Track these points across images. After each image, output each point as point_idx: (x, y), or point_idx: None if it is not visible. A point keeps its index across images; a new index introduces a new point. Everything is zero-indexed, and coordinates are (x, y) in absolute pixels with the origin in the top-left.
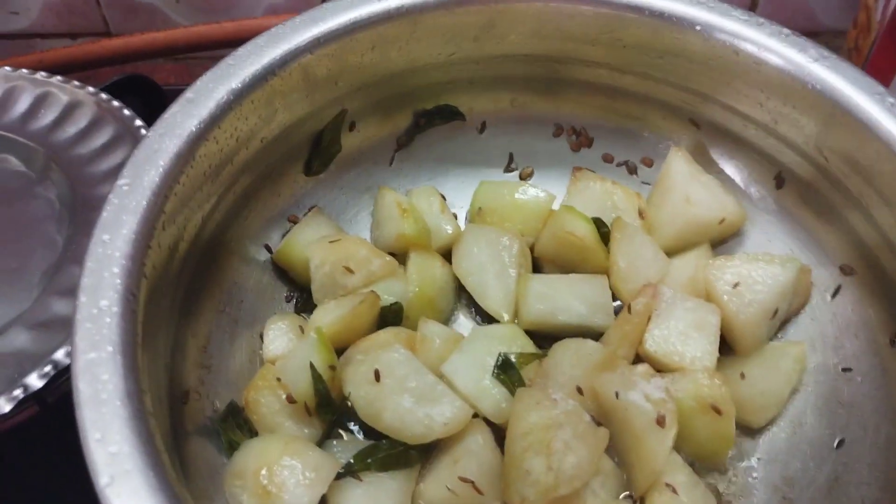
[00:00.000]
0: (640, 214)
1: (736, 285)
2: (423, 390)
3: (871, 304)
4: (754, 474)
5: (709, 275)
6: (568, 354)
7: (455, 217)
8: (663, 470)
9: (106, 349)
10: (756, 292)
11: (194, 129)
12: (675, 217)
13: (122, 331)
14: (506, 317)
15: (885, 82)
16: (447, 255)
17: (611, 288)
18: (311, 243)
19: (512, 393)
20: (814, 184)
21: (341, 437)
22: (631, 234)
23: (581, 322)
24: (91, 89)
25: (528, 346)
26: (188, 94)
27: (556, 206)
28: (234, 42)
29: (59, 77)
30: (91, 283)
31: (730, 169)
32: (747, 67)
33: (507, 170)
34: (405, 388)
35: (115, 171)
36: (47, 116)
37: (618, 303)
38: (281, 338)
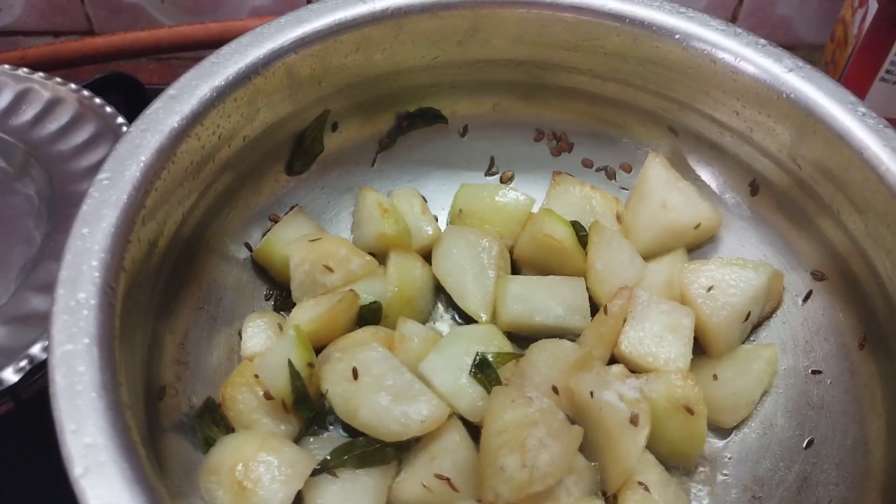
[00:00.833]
0: (618, 219)
1: (710, 289)
2: (400, 388)
3: (841, 308)
4: (725, 473)
5: (683, 278)
6: (544, 354)
7: (436, 219)
8: (636, 468)
9: (83, 341)
10: (729, 296)
11: (176, 126)
12: (651, 222)
13: (99, 323)
14: (484, 317)
15: (860, 95)
16: (427, 255)
17: (588, 290)
18: (292, 242)
19: (488, 392)
20: (787, 191)
21: (318, 434)
22: (608, 238)
23: (558, 323)
24: (73, 86)
25: (506, 347)
26: (171, 90)
27: (535, 209)
28: (218, 43)
29: (41, 73)
30: (69, 276)
31: (706, 175)
32: (724, 76)
33: (489, 173)
34: (382, 386)
35: (95, 169)
36: (28, 113)
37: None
38: (259, 335)
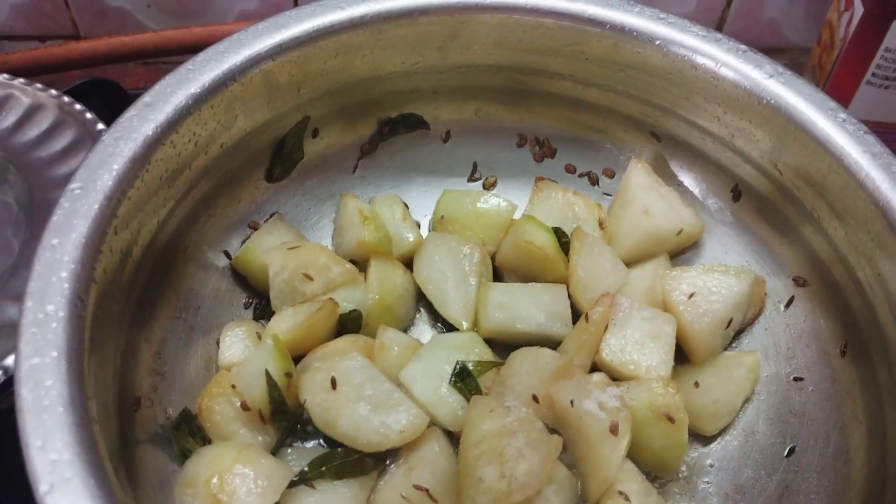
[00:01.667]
0: (601, 225)
1: (692, 295)
2: (379, 398)
3: (822, 315)
4: (707, 481)
5: (665, 285)
6: (525, 363)
7: (418, 225)
8: (616, 478)
9: (50, 354)
10: (711, 302)
11: (151, 134)
12: (634, 228)
13: (67, 336)
14: (465, 325)
15: (846, 98)
16: (409, 262)
17: (570, 297)
18: (271, 250)
19: (468, 401)
20: (769, 197)
21: (296, 444)
22: (590, 245)
23: (539, 331)
24: (54, 92)
25: (487, 355)
26: (146, 98)
27: (518, 215)
28: (203, 47)
29: (21, 79)
30: (38, 288)
31: (689, 181)
32: (705, 82)
33: (471, 179)
34: (361, 396)
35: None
36: (8, 119)
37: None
38: (237, 344)
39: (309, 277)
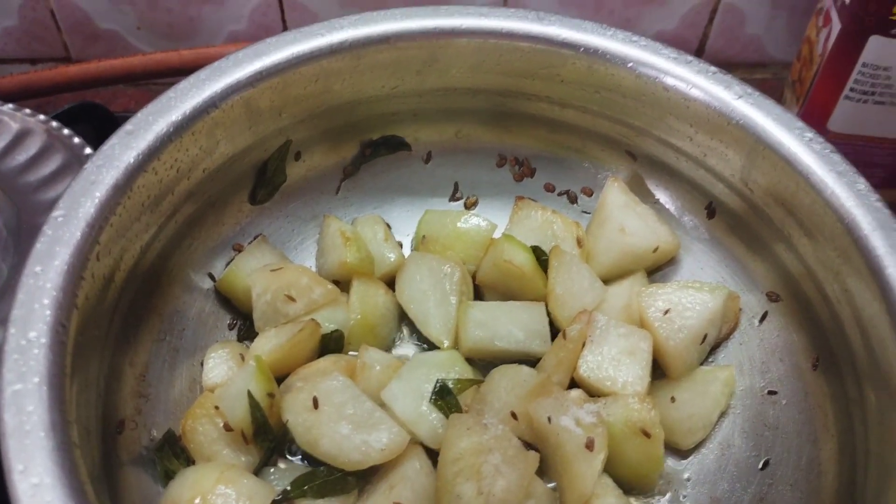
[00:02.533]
0: (579, 243)
1: (667, 312)
2: (360, 417)
3: (795, 329)
4: (684, 495)
5: (641, 302)
6: (504, 380)
7: (400, 245)
8: (593, 492)
9: (32, 381)
10: (686, 318)
11: (132, 161)
12: (611, 246)
13: (49, 363)
14: (446, 343)
15: (826, 112)
16: (391, 282)
17: (549, 315)
18: (253, 272)
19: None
20: (742, 214)
21: (279, 464)
22: (568, 263)
23: (519, 348)
24: (42, 117)
25: (467, 373)
26: (128, 126)
27: (498, 234)
28: (192, 70)
29: (10, 105)
30: (21, 315)
31: (665, 198)
32: (677, 103)
33: (453, 199)
34: (343, 415)
35: None
36: None
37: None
38: (221, 366)
39: (291, 299)
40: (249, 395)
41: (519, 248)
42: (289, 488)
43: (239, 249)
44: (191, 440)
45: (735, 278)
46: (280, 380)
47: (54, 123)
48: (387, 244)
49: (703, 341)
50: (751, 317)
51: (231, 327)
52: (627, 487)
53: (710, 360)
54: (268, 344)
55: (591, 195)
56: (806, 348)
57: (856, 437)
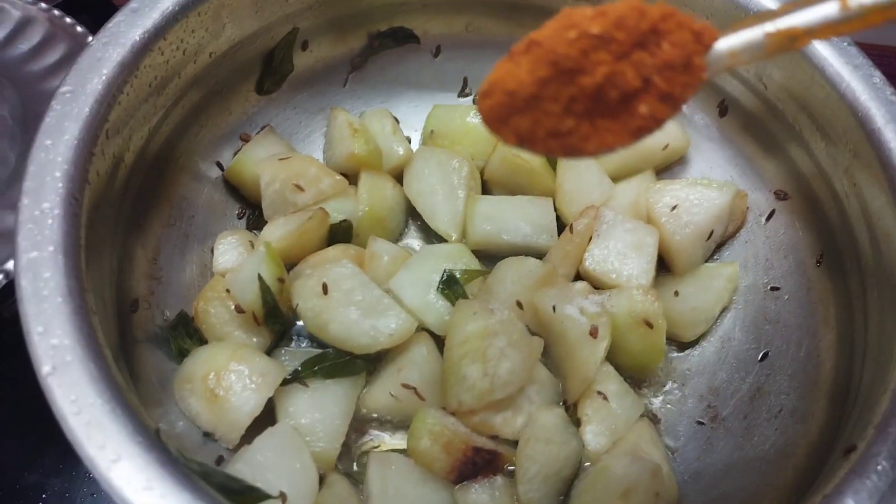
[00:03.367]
0: None
1: (674, 208)
2: (369, 303)
3: (801, 227)
4: (683, 385)
5: (649, 198)
6: (510, 271)
7: (408, 140)
8: (595, 378)
9: (48, 249)
10: (693, 215)
11: (138, 39)
12: None
13: (63, 232)
14: (454, 236)
15: None
16: (399, 176)
17: (556, 210)
18: (262, 161)
19: None
20: (754, 112)
21: (289, 346)
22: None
23: (525, 242)
24: (44, 6)
25: (474, 265)
26: (133, 4)
27: None
28: None
29: None
30: (33, 187)
31: None
32: None
33: (462, 94)
34: (352, 301)
35: None
36: None
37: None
38: (231, 251)
39: (300, 188)
40: (260, 278)
41: None
42: (299, 368)
43: (246, 139)
44: (203, 321)
45: (744, 177)
46: (289, 268)
47: (56, 12)
48: (395, 137)
49: (708, 238)
50: (758, 215)
51: (240, 216)
52: (629, 376)
53: (715, 257)
54: (277, 231)
55: None
56: (811, 245)
57: (855, 330)
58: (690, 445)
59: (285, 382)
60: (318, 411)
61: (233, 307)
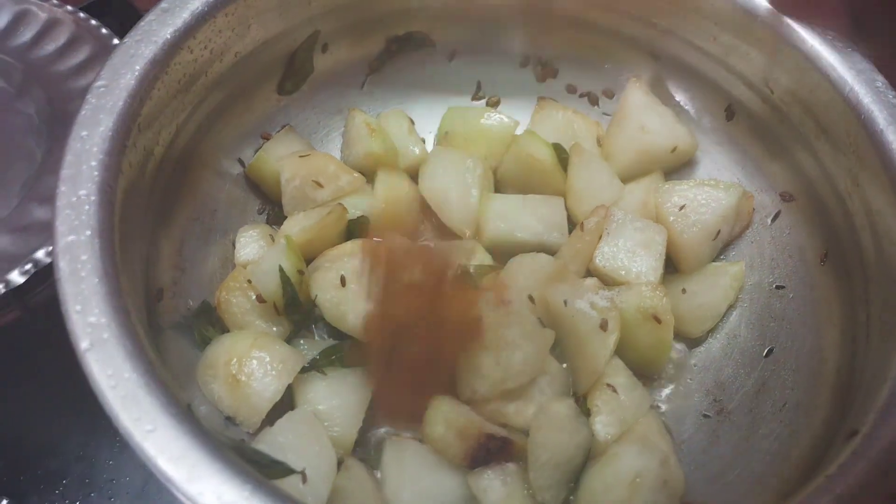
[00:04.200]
0: (599, 142)
1: (682, 207)
2: None
3: (806, 228)
4: (690, 379)
5: (658, 197)
6: (523, 267)
7: (423, 141)
8: (605, 371)
9: (85, 233)
10: (700, 214)
11: (169, 37)
12: (629, 144)
13: (100, 218)
14: (467, 233)
15: None
16: (414, 175)
17: (567, 209)
18: (282, 158)
19: None
20: (761, 115)
21: (308, 336)
22: (588, 159)
23: (537, 239)
24: (69, 8)
25: (487, 261)
26: (163, 4)
27: (519, 132)
28: None
29: None
30: (70, 175)
31: (684, 100)
32: (703, 2)
33: (475, 97)
34: None
35: None
36: (26, 34)
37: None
38: (252, 244)
39: (319, 184)
40: (281, 270)
41: (541, 143)
42: (317, 357)
43: (267, 138)
44: (225, 310)
45: (750, 179)
46: (308, 262)
47: (82, 14)
48: (410, 138)
49: (715, 237)
50: (764, 216)
51: (260, 212)
52: (637, 371)
53: (721, 256)
54: (297, 226)
55: (612, 97)
56: (815, 245)
57: (857, 326)
58: (697, 438)
59: (304, 370)
60: (336, 398)
61: (254, 297)
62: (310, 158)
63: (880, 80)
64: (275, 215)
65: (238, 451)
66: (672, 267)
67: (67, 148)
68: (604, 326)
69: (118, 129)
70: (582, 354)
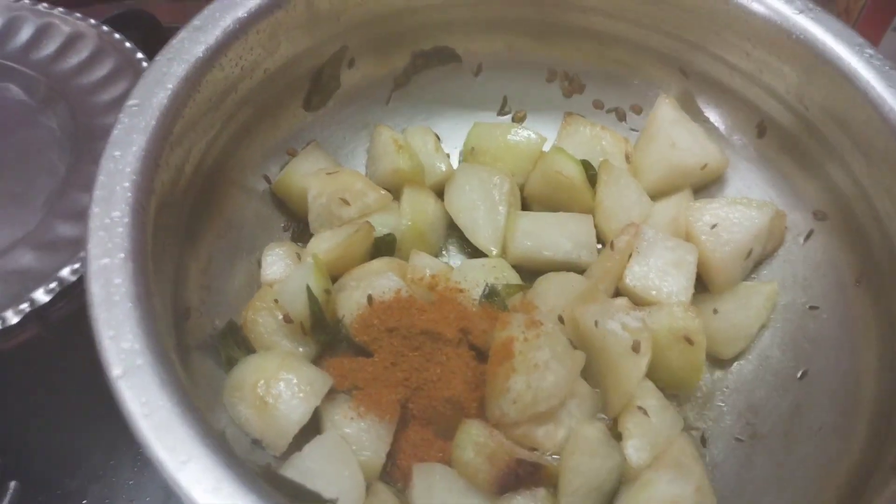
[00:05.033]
0: (627, 158)
1: (714, 226)
2: None
3: (840, 247)
4: (722, 401)
5: (689, 216)
6: (552, 286)
7: (448, 156)
8: (636, 393)
9: (118, 256)
10: (732, 233)
11: (201, 55)
12: (659, 161)
13: (133, 240)
14: (494, 251)
15: (873, 45)
16: (440, 192)
17: (595, 227)
18: (309, 175)
19: None
20: (794, 133)
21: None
22: (616, 177)
23: (566, 258)
24: (93, 21)
25: (514, 279)
26: (195, 21)
27: (546, 148)
28: None
29: (60, 9)
30: (103, 196)
31: (715, 117)
32: (736, 17)
33: (501, 113)
34: None
35: (117, 102)
36: (49, 47)
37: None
38: (278, 263)
39: (346, 202)
40: (308, 289)
41: (569, 159)
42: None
43: (293, 154)
44: (251, 330)
45: (782, 197)
46: (333, 280)
47: (105, 28)
48: (437, 154)
49: (747, 256)
50: (796, 234)
51: (286, 229)
52: (667, 392)
53: (753, 275)
54: (324, 244)
55: (640, 113)
56: (850, 265)
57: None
58: (729, 462)
59: (330, 392)
60: (364, 421)
61: (280, 317)
62: (337, 175)
63: None
64: (300, 232)
65: (271, 480)
66: (702, 286)
67: (100, 168)
68: (636, 348)
69: (151, 149)
70: (613, 376)
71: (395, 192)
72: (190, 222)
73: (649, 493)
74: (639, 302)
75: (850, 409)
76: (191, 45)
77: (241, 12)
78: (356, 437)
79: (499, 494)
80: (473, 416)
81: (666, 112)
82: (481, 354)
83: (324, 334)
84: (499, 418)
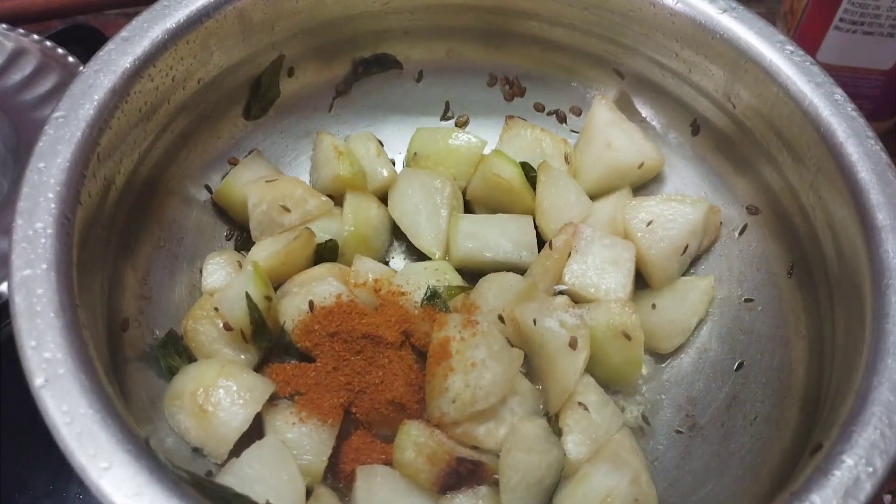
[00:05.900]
0: (566, 159)
1: (649, 223)
2: None
3: (772, 240)
4: (662, 395)
5: (625, 213)
6: (492, 286)
7: (392, 162)
8: (576, 389)
9: (41, 266)
10: (667, 230)
11: (129, 66)
12: (597, 161)
13: (56, 251)
14: (437, 254)
15: (816, 43)
16: (384, 197)
17: (536, 228)
18: (249, 183)
19: None
20: (725, 131)
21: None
22: (556, 178)
23: (507, 258)
24: (36, 37)
25: (457, 281)
26: (123, 33)
27: (488, 151)
28: None
29: (3, 25)
30: (27, 207)
31: (650, 116)
32: (663, 19)
33: (444, 118)
34: None
35: None
36: None
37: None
38: (219, 271)
39: (286, 209)
40: (248, 296)
41: (508, 162)
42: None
43: (234, 163)
44: (192, 339)
45: (717, 193)
46: (276, 287)
47: (48, 43)
48: (379, 160)
49: (684, 252)
50: (731, 230)
51: (228, 238)
52: (608, 388)
53: (691, 271)
54: (264, 251)
55: (579, 115)
56: (782, 257)
57: (824, 339)
58: (669, 454)
59: (272, 398)
60: (305, 425)
61: (221, 325)
62: (277, 183)
63: (839, 93)
64: (244, 241)
65: (198, 486)
66: (642, 282)
67: (24, 180)
68: (573, 344)
69: (76, 160)
70: (552, 373)
71: (339, 198)
72: (126, 233)
73: (586, 486)
74: (578, 300)
75: (784, 398)
76: (118, 56)
77: (170, 23)
78: (297, 441)
79: (441, 493)
80: (416, 417)
81: (602, 113)
82: (424, 357)
83: (265, 341)
84: (439, 418)
